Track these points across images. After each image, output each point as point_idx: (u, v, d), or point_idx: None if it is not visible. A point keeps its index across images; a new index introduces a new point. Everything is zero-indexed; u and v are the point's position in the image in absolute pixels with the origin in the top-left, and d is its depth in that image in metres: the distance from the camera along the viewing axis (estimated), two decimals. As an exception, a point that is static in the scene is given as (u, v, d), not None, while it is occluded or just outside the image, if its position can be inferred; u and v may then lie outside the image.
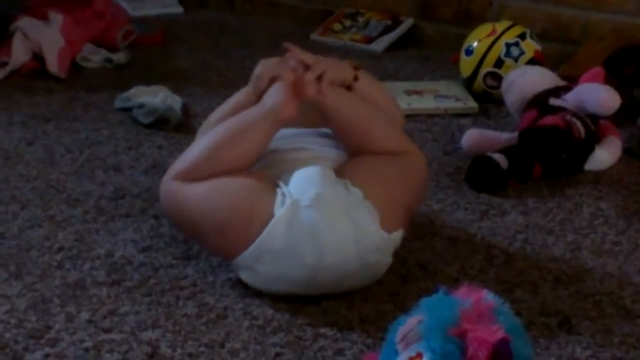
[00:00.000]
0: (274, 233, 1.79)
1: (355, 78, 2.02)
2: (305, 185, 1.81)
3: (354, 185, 1.82)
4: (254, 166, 1.93)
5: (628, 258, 2.08)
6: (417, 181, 1.97)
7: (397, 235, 1.88)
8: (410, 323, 1.50)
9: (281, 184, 1.85)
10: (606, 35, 3.10)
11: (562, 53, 3.13)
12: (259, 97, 1.97)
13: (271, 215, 1.79)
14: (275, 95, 1.91)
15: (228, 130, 1.92)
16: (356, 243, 1.80)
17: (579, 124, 2.44)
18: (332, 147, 2.02)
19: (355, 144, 1.94)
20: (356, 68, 2.05)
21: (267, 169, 1.93)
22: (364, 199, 1.81)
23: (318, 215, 1.78)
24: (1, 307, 1.81)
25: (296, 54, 1.99)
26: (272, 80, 1.95)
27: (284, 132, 2.03)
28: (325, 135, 2.07)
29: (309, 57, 1.99)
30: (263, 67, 1.99)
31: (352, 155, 1.96)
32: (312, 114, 2.21)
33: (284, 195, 1.81)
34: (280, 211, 1.79)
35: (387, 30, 3.48)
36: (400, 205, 1.89)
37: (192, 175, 1.89)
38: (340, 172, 1.87)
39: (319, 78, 1.93)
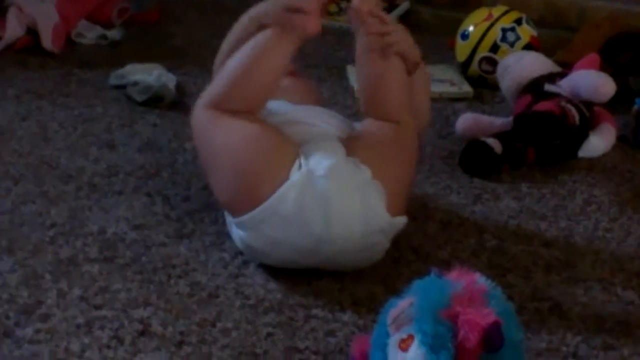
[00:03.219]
0: (285, 196, 1.79)
1: (417, 65, 2.03)
2: (320, 155, 1.83)
3: (363, 163, 1.84)
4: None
5: (620, 245, 2.09)
6: (414, 160, 1.98)
7: (400, 220, 1.88)
8: (402, 305, 1.50)
9: (302, 150, 1.85)
10: (602, 22, 3.10)
11: (558, 39, 3.13)
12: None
13: (286, 178, 1.80)
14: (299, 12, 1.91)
15: (251, 53, 1.92)
16: (363, 220, 1.81)
17: (573, 111, 2.44)
18: (340, 121, 2.03)
19: (369, 93, 1.98)
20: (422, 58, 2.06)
21: (287, 132, 1.92)
22: (373, 179, 1.82)
23: (331, 186, 1.79)
24: (-7, 282, 1.82)
25: (376, 11, 1.98)
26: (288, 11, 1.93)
27: (286, 105, 2.04)
28: (325, 110, 2.09)
29: (389, 20, 2.00)
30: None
31: (364, 109, 1.99)
32: (303, 92, 2.20)
33: (301, 162, 1.82)
34: (295, 176, 1.80)
35: (383, 13, 3.47)
36: (403, 188, 1.90)
37: (224, 105, 1.90)
38: (347, 147, 1.88)
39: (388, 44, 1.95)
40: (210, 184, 1.98)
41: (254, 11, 2.02)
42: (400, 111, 1.95)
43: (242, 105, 1.89)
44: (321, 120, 1.99)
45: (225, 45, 2.08)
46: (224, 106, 1.90)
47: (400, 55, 1.96)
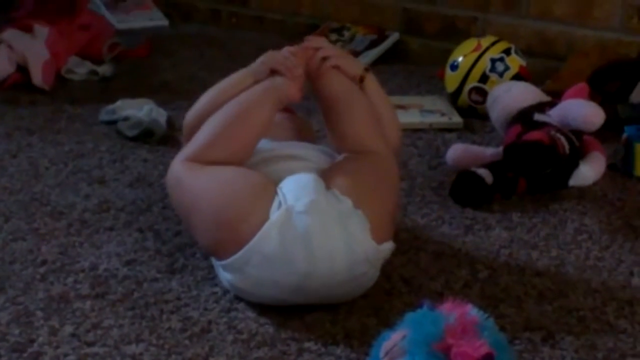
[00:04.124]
0: (268, 236, 1.79)
1: (362, 78, 2.06)
2: (299, 191, 1.82)
3: (342, 194, 1.83)
4: (251, 162, 1.96)
5: (611, 274, 2.09)
6: (396, 186, 2.00)
7: (387, 246, 1.88)
8: (395, 338, 1.50)
9: (280, 188, 1.85)
10: (591, 51, 3.12)
11: (547, 69, 3.14)
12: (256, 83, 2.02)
13: (266, 218, 1.80)
14: (281, 76, 1.99)
15: (234, 109, 1.96)
16: (348, 252, 1.80)
17: (563, 140, 2.45)
18: (323, 155, 2.03)
19: (336, 132, 2.01)
20: (366, 70, 2.09)
21: (266, 169, 1.93)
22: (354, 208, 1.82)
23: (311, 222, 1.78)
24: (-16, 320, 1.81)
25: (313, 42, 2.08)
26: (273, 73, 2.01)
27: (269, 143, 2.04)
28: (308, 145, 2.09)
29: (325, 43, 2.10)
30: (267, 58, 2.04)
31: (336, 147, 2.01)
32: (292, 129, 2.22)
33: (280, 200, 1.81)
34: (274, 215, 1.79)
35: (372, 44, 3.49)
36: (387, 214, 1.90)
37: (202, 158, 1.92)
38: (325, 180, 1.87)
39: (325, 58, 2.03)
40: (192, 233, 1.98)
41: (245, 70, 2.07)
42: (373, 140, 1.96)
43: (225, 158, 1.91)
44: (300, 155, 2.00)
45: (205, 98, 2.09)
46: (205, 159, 1.92)
47: (337, 68, 2.02)
